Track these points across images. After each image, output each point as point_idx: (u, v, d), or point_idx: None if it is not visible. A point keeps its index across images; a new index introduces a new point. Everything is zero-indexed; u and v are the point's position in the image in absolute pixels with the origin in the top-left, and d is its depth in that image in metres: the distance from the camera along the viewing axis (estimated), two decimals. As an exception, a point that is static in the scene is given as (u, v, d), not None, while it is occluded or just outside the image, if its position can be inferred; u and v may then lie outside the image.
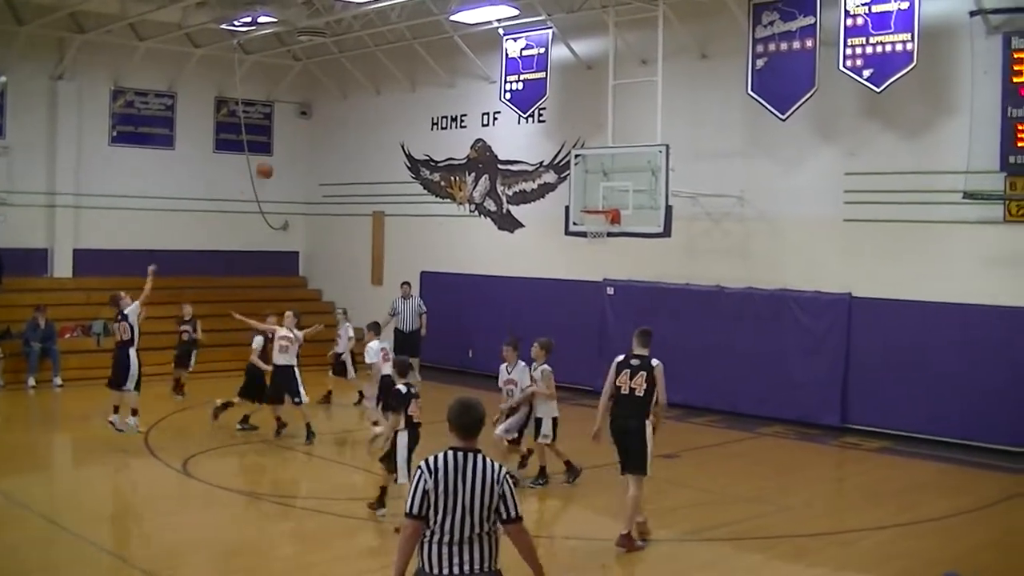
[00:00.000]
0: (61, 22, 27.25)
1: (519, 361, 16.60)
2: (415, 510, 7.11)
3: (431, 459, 7.19)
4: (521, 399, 16.29)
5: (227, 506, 15.36)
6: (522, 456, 16.75)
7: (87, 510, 14.85)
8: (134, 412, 18.83)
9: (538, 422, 16.19)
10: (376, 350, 18.87)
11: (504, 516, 7.19)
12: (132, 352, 18.65)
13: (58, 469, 18.96)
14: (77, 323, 27.44)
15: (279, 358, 19.23)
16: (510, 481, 7.25)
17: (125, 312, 18.89)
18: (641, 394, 13.20)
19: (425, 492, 7.08)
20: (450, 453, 7.18)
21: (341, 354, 22.82)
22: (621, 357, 13.50)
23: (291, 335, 19.37)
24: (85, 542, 13.10)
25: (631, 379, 13.26)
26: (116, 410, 18.74)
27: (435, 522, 7.08)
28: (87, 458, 18.89)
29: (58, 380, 25.09)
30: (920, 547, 13.71)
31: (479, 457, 7.20)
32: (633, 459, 13.27)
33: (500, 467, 7.25)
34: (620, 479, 13.58)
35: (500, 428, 16.23)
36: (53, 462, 19.41)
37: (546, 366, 16.15)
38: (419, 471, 7.17)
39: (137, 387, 18.77)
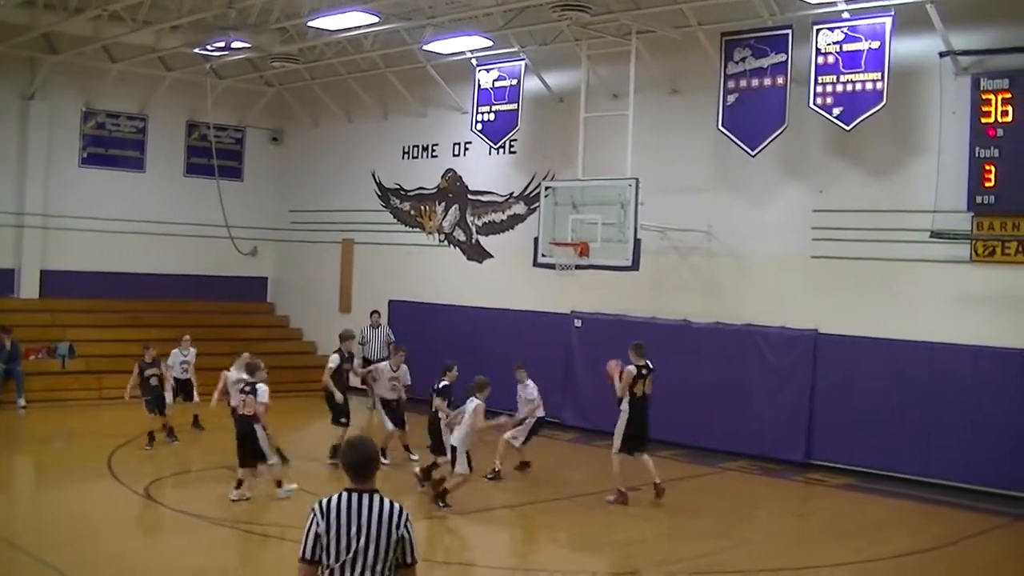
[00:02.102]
0: (34, 42, 27.16)
1: (528, 381, 19.44)
2: (308, 554, 6.78)
3: (324, 500, 6.85)
4: (527, 412, 19.18)
5: (188, 531, 15.24)
6: (523, 462, 19.43)
7: (47, 533, 14.70)
8: (279, 484, 17.03)
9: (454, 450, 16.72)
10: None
11: (406, 560, 6.84)
12: (258, 428, 16.79)
13: (19, 491, 18.73)
14: (43, 344, 27.24)
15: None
16: (411, 525, 6.88)
17: (256, 387, 16.93)
18: (650, 392, 17.21)
19: (317, 535, 6.76)
20: (344, 494, 6.84)
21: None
22: (635, 369, 17.04)
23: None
24: (44, 566, 12.96)
25: (644, 384, 17.11)
26: (239, 484, 16.76)
27: (327, 566, 6.75)
28: (49, 481, 18.78)
29: (22, 402, 24.82)
30: (881, 584, 13.76)
31: (375, 498, 6.84)
32: (647, 440, 17.48)
33: (400, 509, 6.88)
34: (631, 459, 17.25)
35: (507, 435, 18.89)
36: (14, 484, 19.20)
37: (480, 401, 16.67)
38: (311, 513, 6.84)
39: (282, 457, 17.70)
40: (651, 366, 17.40)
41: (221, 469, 18.59)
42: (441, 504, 16.25)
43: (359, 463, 6.93)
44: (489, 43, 24.79)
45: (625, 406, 17.19)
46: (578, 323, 24.74)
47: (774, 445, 21.41)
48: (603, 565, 14.96)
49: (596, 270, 21.96)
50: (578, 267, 21.85)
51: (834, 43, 19.69)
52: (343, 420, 19.59)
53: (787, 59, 20.49)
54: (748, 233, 22.19)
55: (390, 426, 19.67)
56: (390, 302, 29.09)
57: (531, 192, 26.11)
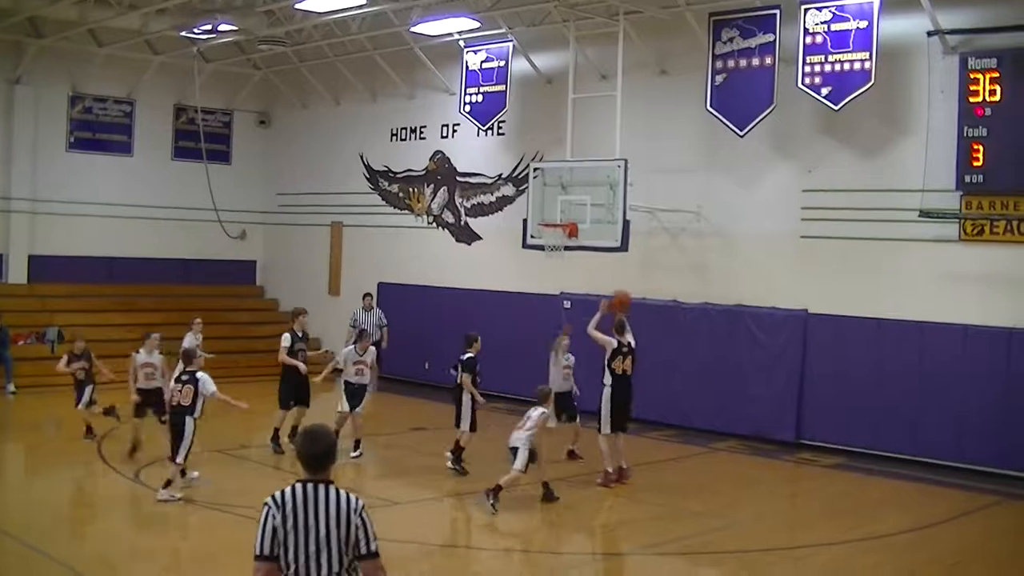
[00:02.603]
0: (19, 26, 27.07)
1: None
2: (265, 550, 6.50)
3: (277, 493, 6.60)
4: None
5: (179, 516, 15.22)
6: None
7: (37, 519, 14.63)
8: (168, 483, 15.58)
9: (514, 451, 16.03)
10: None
11: (360, 551, 6.59)
12: (189, 421, 15.55)
13: (9, 477, 18.70)
14: (31, 330, 27.22)
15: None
16: (367, 514, 6.65)
17: (197, 377, 15.73)
18: (631, 372, 17.25)
19: (274, 528, 6.50)
20: (298, 485, 6.61)
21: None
22: (615, 343, 17.15)
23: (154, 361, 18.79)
24: (34, 551, 12.95)
25: (624, 362, 17.20)
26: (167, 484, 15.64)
27: (286, 561, 6.50)
28: (39, 466, 18.74)
29: (11, 387, 24.84)
30: (872, 563, 13.77)
31: (331, 489, 6.62)
32: (629, 419, 17.61)
33: (356, 499, 6.66)
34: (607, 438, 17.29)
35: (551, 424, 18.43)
36: (4, 470, 19.18)
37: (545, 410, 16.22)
38: (266, 507, 6.57)
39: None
40: (632, 345, 17.45)
41: (213, 452, 18.56)
42: (491, 501, 15.41)
43: (318, 455, 6.71)
44: (477, 24, 24.75)
45: (608, 380, 17.33)
46: (567, 304, 24.70)
47: (764, 425, 21.46)
48: (594, 545, 15.02)
49: (585, 251, 21.95)
50: (567, 248, 21.82)
51: (822, 23, 19.67)
52: (292, 403, 19.29)
53: (775, 39, 20.48)
54: (737, 213, 22.19)
55: (345, 407, 19.35)
56: (379, 284, 29.04)
57: (520, 173, 26.08)
